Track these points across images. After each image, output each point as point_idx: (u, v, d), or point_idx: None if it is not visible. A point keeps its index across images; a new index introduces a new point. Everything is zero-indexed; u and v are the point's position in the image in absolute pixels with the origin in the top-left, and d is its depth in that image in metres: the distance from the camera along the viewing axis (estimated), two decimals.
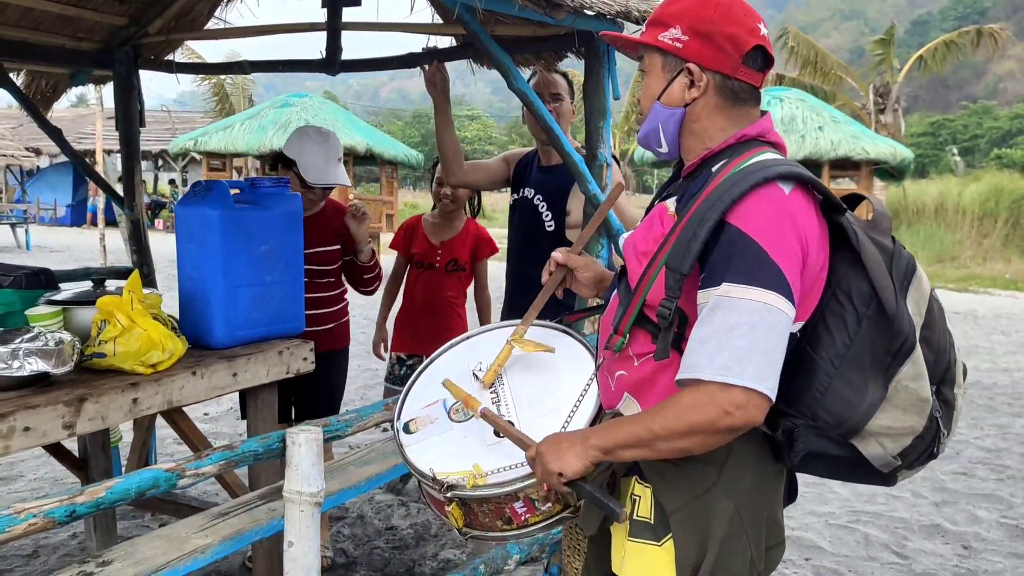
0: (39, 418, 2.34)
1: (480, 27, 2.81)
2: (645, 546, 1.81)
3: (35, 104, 4.41)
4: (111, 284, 3.10)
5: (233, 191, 3.08)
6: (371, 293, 3.99)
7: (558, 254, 2.07)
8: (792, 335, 1.69)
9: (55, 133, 4.37)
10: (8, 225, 22.13)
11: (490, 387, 2.03)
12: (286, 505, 2.05)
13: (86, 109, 31.11)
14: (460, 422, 2.01)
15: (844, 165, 12.61)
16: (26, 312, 2.81)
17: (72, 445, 3.70)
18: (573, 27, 3.01)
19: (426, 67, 3.64)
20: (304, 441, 2.04)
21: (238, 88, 26.53)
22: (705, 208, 1.65)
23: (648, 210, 1.92)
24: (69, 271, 3.99)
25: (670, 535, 1.77)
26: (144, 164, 32.90)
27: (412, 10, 2.96)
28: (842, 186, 14.69)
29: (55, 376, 2.53)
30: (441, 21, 3.69)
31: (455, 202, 4.39)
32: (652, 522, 1.81)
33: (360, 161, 17.74)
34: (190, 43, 19.52)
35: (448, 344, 2.21)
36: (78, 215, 28.75)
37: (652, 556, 1.80)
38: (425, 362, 2.18)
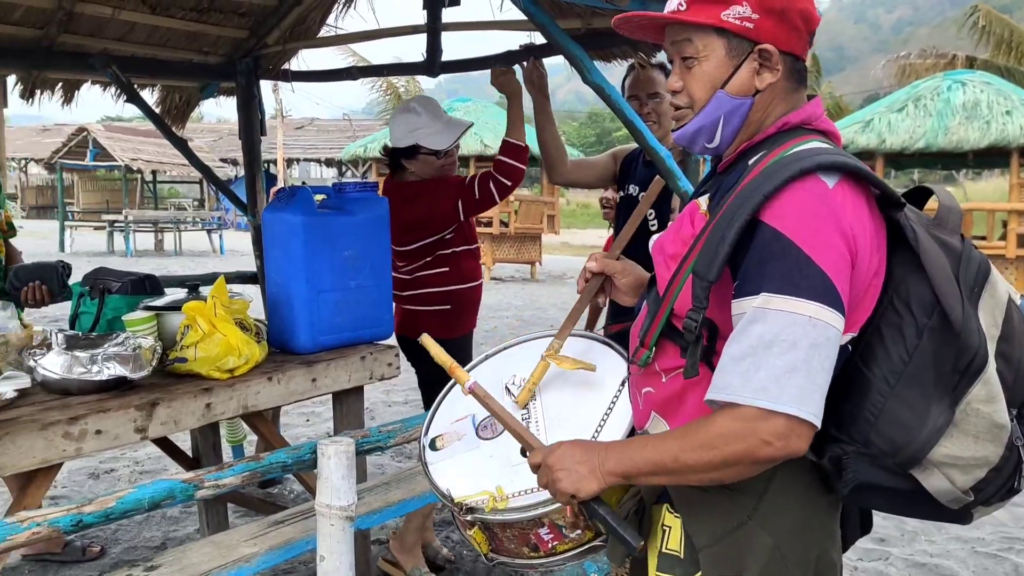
0: (111, 422, 2.41)
1: (548, 18, 2.69)
2: None
3: (163, 119, 4.64)
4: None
5: (318, 197, 3.10)
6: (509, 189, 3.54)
7: (592, 262, 1.91)
8: (843, 348, 1.46)
9: (183, 146, 4.58)
10: (206, 231, 23.82)
11: (524, 407, 1.89)
12: (317, 519, 2.01)
13: (271, 120, 33.09)
14: (488, 439, 1.90)
15: None
16: (123, 318, 2.92)
17: (187, 445, 3.83)
18: None
19: (524, 64, 3.55)
20: (334, 453, 1.98)
21: (411, 95, 27.41)
22: (736, 206, 1.45)
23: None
24: (182, 276, 4.16)
25: (700, 573, 1.59)
26: (329, 170, 34.73)
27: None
28: None
29: (134, 380, 2.62)
30: None
31: (615, 208, 4.20)
32: (682, 556, 1.63)
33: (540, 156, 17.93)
34: (355, 47, 20.39)
35: (483, 355, 2.09)
36: None
37: None
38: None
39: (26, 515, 1.70)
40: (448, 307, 3.52)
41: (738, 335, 1.42)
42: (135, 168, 26.12)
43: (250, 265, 5.11)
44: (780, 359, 1.36)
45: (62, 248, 20.63)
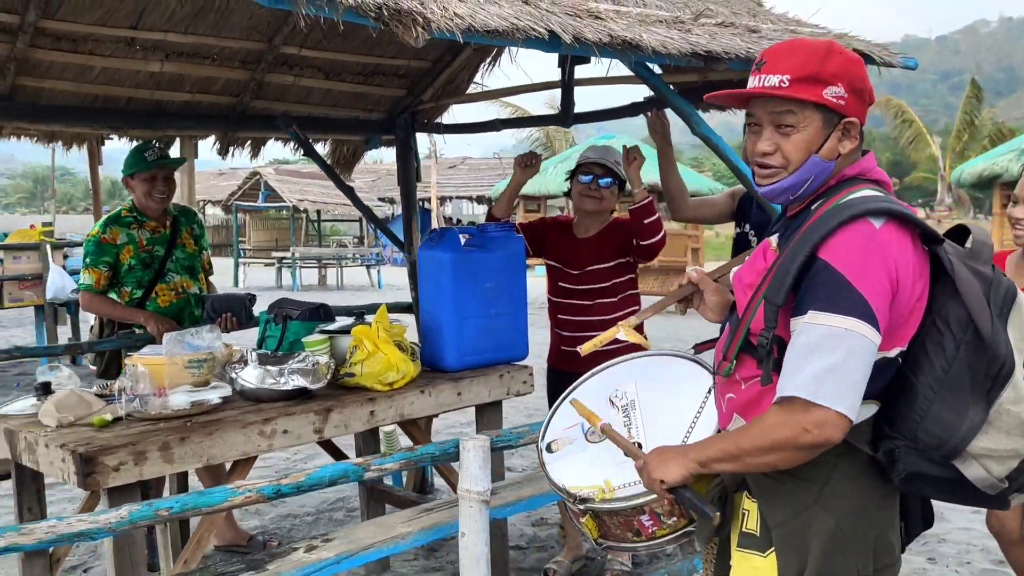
0: (295, 423, 2.94)
1: (658, 80, 3.07)
2: (751, 556, 1.97)
3: (333, 168, 5.30)
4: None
5: (464, 237, 3.57)
6: (654, 252, 3.81)
7: (693, 272, 2.28)
8: (893, 360, 1.80)
9: (349, 192, 5.21)
10: (365, 267, 25.09)
11: (619, 411, 2.27)
12: (460, 502, 2.44)
13: (425, 160, 34.50)
14: (595, 443, 2.27)
15: None
16: (302, 340, 3.48)
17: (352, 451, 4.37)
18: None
19: (648, 114, 3.94)
20: (472, 447, 2.42)
21: (561, 133, 28.09)
22: (799, 244, 1.82)
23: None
24: (348, 307, 4.74)
25: (773, 548, 1.92)
26: (480, 207, 35.80)
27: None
28: None
29: (313, 391, 3.14)
30: None
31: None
32: (758, 535, 1.96)
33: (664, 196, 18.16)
34: (509, 100, 21.20)
35: (589, 373, 2.46)
36: None
37: (757, 566, 1.96)
38: (568, 389, 2.45)
39: (241, 483, 2.21)
40: None
41: (791, 345, 1.78)
42: (301, 208, 27.85)
43: (406, 297, 5.67)
44: (820, 362, 1.71)
45: (236, 283, 22.21)
